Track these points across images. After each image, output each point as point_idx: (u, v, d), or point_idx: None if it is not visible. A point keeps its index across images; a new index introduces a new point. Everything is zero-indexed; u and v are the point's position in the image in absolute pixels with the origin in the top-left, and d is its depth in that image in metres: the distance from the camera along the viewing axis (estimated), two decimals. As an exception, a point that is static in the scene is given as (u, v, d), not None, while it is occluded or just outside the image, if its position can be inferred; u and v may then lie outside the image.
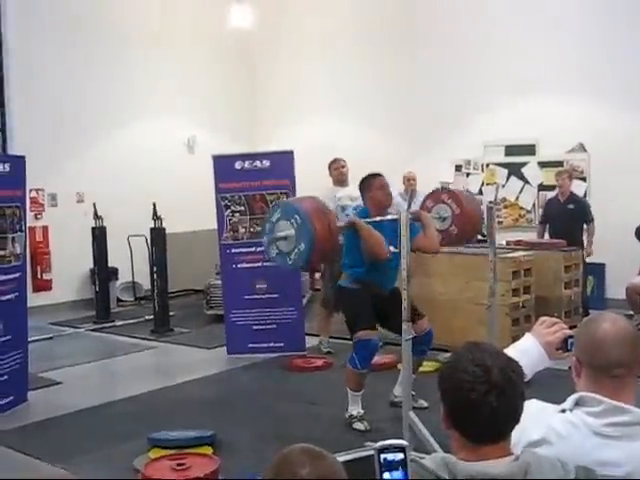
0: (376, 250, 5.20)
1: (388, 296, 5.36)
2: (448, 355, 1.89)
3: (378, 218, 5.31)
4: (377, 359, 6.82)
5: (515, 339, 2.45)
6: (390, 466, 1.69)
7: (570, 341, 2.26)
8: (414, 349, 4.70)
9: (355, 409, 5.42)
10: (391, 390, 5.83)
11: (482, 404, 1.72)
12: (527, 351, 2.32)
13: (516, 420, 1.78)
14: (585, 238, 8.70)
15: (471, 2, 10.31)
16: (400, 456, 1.69)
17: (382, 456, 1.69)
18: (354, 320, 5.43)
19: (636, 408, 1.98)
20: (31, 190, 9.71)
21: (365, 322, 5.35)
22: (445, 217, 5.71)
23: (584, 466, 1.83)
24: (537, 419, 2.03)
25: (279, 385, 6.71)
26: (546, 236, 9.03)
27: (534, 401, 2.10)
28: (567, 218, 8.68)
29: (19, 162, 6.31)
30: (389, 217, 5.30)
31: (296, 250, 4.89)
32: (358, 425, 5.34)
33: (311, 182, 7.47)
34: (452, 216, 5.71)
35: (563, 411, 2.05)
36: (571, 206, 8.81)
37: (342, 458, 2.17)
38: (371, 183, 5.55)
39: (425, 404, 5.45)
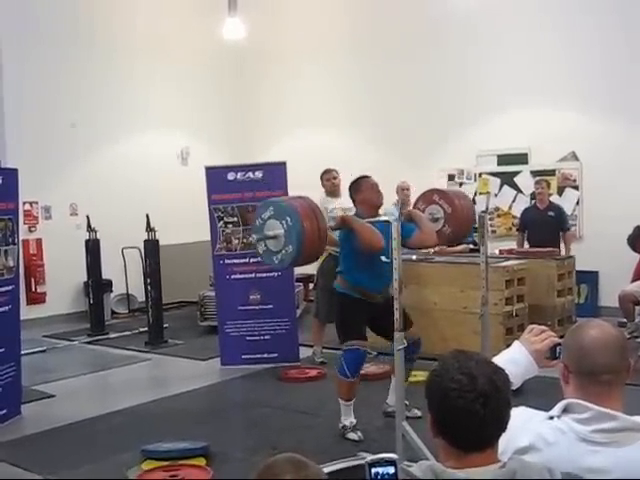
0: (371, 240, 5.13)
1: (382, 302, 5.27)
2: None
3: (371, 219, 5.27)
4: (371, 369, 6.87)
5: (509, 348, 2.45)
6: None
7: (558, 349, 2.27)
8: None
9: (348, 419, 5.41)
10: (384, 400, 5.83)
11: (469, 412, 1.72)
12: (515, 359, 2.32)
13: (503, 428, 1.78)
14: (562, 246, 8.78)
15: (462, 15, 10.32)
16: (391, 470, 1.70)
17: (373, 470, 1.69)
18: (345, 328, 5.42)
19: (623, 414, 1.98)
20: (25, 203, 9.74)
21: (355, 331, 5.34)
22: (437, 218, 5.65)
23: (571, 473, 1.83)
24: (525, 426, 2.03)
25: (273, 396, 6.69)
26: (525, 245, 9.08)
27: (522, 408, 2.10)
28: (546, 226, 8.80)
29: (12, 175, 6.30)
30: (381, 218, 5.30)
31: (283, 251, 4.90)
32: (351, 435, 5.33)
33: (303, 193, 7.40)
34: (444, 216, 5.65)
35: (551, 418, 2.05)
36: (551, 214, 8.92)
37: (331, 468, 2.18)
38: (360, 184, 5.56)
39: (419, 413, 5.44)
